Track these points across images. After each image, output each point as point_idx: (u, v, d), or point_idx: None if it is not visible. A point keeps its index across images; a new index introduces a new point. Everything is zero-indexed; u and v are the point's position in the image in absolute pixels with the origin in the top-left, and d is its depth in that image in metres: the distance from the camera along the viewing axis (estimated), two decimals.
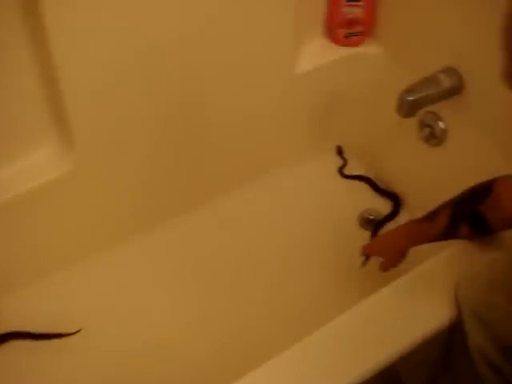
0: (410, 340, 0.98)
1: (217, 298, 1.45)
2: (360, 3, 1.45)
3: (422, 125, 1.43)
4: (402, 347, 0.98)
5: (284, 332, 1.36)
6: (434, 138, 1.42)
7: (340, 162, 1.72)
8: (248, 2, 1.30)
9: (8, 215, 1.29)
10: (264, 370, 0.94)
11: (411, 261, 1.17)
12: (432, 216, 1.16)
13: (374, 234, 1.55)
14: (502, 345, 0.94)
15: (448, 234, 1.12)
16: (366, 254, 1.39)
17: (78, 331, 1.36)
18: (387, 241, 1.32)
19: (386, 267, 1.31)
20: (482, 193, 1.07)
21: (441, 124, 1.40)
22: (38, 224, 1.36)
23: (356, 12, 1.47)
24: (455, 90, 1.31)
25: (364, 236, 1.55)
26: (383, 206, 1.61)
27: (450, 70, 1.31)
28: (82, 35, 1.14)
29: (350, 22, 1.48)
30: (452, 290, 1.03)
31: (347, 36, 1.51)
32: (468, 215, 1.09)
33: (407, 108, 1.28)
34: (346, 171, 1.70)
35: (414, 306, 1.03)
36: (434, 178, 1.47)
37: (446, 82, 1.30)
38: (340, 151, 1.74)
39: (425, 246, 1.17)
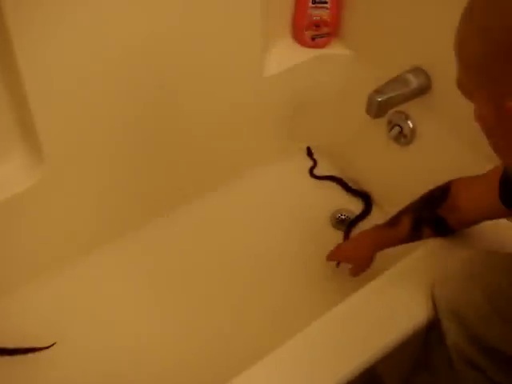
0: (390, 340, 0.99)
1: (192, 303, 1.44)
2: (326, 5, 1.46)
3: (391, 124, 1.44)
4: (382, 347, 0.99)
5: (260, 334, 1.37)
6: (403, 137, 1.44)
7: (310, 163, 1.72)
8: (216, 6, 1.29)
9: None
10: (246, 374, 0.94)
11: (387, 260, 1.18)
12: (395, 221, 1.19)
13: (347, 233, 1.57)
14: (482, 344, 0.96)
15: (412, 236, 1.16)
16: (332, 261, 1.41)
17: (53, 345, 1.33)
18: (353, 247, 1.36)
19: (355, 273, 1.34)
20: (439, 197, 1.11)
21: (409, 123, 1.41)
22: (7, 237, 1.33)
23: (322, 14, 1.47)
24: (423, 90, 1.33)
25: (337, 236, 1.56)
26: (355, 206, 1.63)
27: (417, 70, 1.33)
28: (48, 46, 1.11)
29: (317, 24, 1.48)
30: (428, 288, 1.05)
31: (314, 38, 1.51)
32: (429, 219, 1.13)
33: (377, 109, 1.29)
34: (317, 172, 1.71)
35: (391, 305, 1.05)
36: (404, 177, 1.49)
37: (415, 82, 1.31)
38: (309, 152, 1.74)
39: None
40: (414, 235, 1.15)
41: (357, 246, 1.33)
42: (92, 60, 1.19)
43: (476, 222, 1.09)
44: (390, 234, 1.20)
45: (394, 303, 1.05)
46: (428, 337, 1.07)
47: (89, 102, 1.25)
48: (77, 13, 1.11)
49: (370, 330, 1.01)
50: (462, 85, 0.69)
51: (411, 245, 1.15)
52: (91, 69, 1.20)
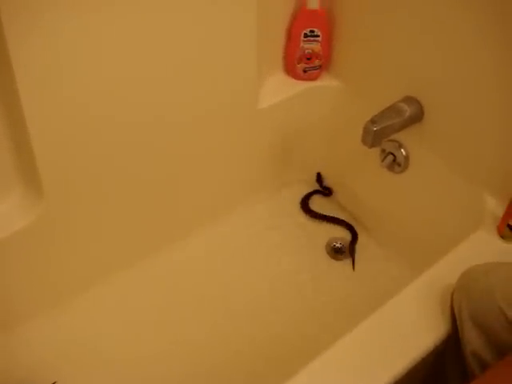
0: (409, 360, 0.98)
1: (193, 337, 1.43)
2: (317, 38, 1.49)
3: (385, 153, 1.47)
4: (401, 369, 0.97)
5: (271, 366, 1.35)
6: (397, 165, 1.46)
7: (303, 192, 1.74)
8: (211, 40, 1.31)
9: None
10: None
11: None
12: None
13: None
14: (504, 352, 0.96)
15: None
16: None
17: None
18: None
19: None
20: None
21: (403, 151, 1.44)
22: (5, 275, 1.31)
23: (313, 47, 1.50)
24: (416, 118, 1.36)
25: (334, 265, 1.57)
26: (347, 233, 1.64)
27: (410, 99, 1.35)
28: (50, 82, 1.12)
29: (308, 57, 1.51)
30: (447, 301, 1.05)
31: (306, 70, 1.54)
32: None
33: (373, 138, 1.31)
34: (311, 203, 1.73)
35: (410, 324, 1.04)
36: (398, 204, 1.51)
37: (408, 111, 1.34)
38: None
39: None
40: None
41: None
42: (90, 93, 1.19)
43: None
44: None
45: (413, 321, 1.04)
46: (444, 346, 1.06)
47: (90, 137, 1.25)
48: (76, 45, 1.12)
49: (387, 353, 0.99)
50: None
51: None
52: (90, 102, 1.21)
